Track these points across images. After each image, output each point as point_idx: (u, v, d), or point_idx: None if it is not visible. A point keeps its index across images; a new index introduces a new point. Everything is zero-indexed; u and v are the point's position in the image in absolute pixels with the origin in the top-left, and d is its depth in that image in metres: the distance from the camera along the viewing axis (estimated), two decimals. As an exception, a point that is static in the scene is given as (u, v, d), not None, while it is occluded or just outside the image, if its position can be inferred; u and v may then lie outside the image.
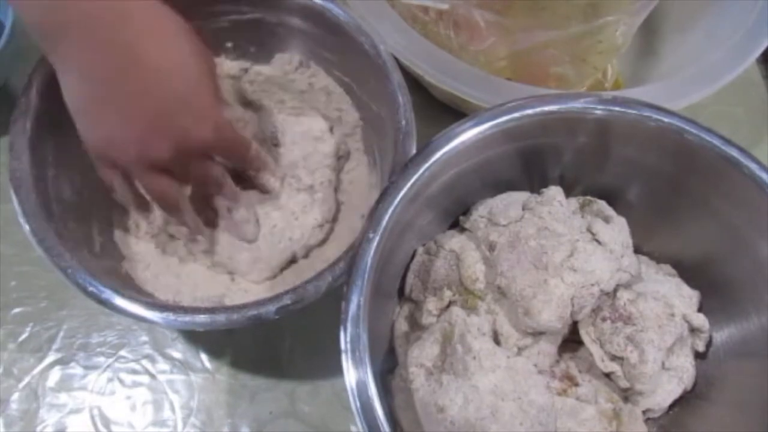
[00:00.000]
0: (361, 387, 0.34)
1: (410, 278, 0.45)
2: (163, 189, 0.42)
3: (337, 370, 0.35)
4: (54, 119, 0.44)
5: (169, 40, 0.39)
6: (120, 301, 0.40)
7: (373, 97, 0.50)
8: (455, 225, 0.47)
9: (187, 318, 0.40)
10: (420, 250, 0.46)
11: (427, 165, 0.40)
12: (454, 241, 0.45)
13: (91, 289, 0.41)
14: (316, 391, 0.49)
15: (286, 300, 0.40)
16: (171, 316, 0.40)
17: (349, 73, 0.52)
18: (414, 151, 0.44)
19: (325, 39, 0.51)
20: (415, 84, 0.58)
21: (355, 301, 0.36)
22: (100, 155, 0.42)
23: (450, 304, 0.43)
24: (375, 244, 0.38)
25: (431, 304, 0.43)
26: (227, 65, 0.54)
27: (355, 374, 0.35)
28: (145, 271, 0.48)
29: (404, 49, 0.50)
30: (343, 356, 0.35)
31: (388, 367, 0.43)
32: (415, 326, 0.44)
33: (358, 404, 0.34)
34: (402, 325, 0.45)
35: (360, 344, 0.35)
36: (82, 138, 0.41)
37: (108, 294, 0.41)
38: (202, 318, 0.40)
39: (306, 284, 0.41)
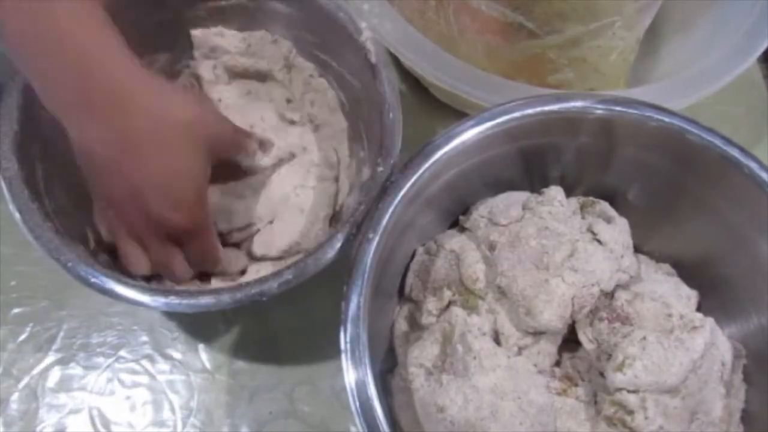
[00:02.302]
0: (361, 387, 0.34)
1: (410, 278, 0.45)
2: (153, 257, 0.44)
3: (337, 370, 0.35)
4: (40, 119, 0.44)
5: (167, 138, 0.40)
6: (122, 290, 0.40)
7: (353, 72, 0.50)
8: (455, 225, 0.47)
9: (192, 300, 0.40)
10: (420, 249, 0.46)
11: (427, 165, 0.40)
12: (455, 240, 0.45)
13: (93, 280, 0.40)
14: (315, 391, 0.49)
15: (288, 275, 0.40)
16: (175, 300, 0.40)
17: (328, 51, 0.52)
18: (399, 137, 0.44)
19: (308, 21, 0.51)
20: (416, 84, 0.58)
21: (355, 301, 0.36)
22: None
23: (450, 304, 0.43)
24: (375, 244, 0.38)
25: (431, 304, 0.43)
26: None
27: (354, 374, 0.35)
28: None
29: (405, 49, 0.50)
30: (343, 356, 0.35)
31: (387, 366, 0.43)
32: (415, 326, 0.44)
33: (357, 404, 0.34)
34: (402, 325, 0.44)
35: (360, 344, 0.35)
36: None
37: (110, 283, 0.40)
38: (206, 299, 0.40)
39: (306, 259, 0.41)
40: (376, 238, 0.38)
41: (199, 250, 0.44)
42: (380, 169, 0.42)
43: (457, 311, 0.41)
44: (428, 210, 0.44)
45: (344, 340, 0.36)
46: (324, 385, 0.49)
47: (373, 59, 0.46)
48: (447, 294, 0.43)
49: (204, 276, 0.47)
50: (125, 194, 0.40)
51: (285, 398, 0.49)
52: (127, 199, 0.40)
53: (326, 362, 0.50)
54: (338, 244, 0.41)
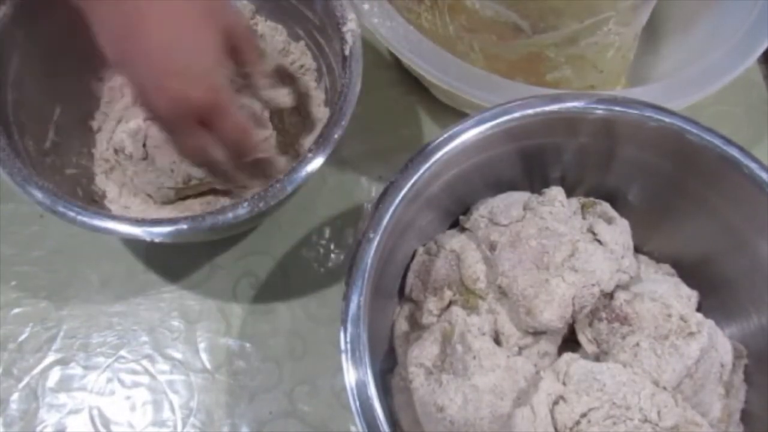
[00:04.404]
0: (361, 387, 0.34)
1: (410, 278, 0.45)
2: (190, 144, 0.44)
3: (337, 370, 0.35)
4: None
5: (173, 9, 0.40)
6: (101, 221, 0.41)
7: (337, 61, 0.50)
8: (455, 225, 0.47)
9: (171, 227, 0.41)
10: (420, 250, 0.45)
11: (427, 165, 0.40)
12: (455, 240, 0.45)
13: (78, 217, 0.41)
14: (315, 391, 0.49)
15: (278, 188, 0.42)
16: (156, 229, 0.41)
17: (324, 34, 0.52)
18: (340, 133, 0.44)
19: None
20: (416, 83, 0.58)
21: (355, 301, 0.36)
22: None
23: (450, 303, 0.43)
24: (375, 244, 0.38)
25: (432, 304, 0.43)
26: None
27: (354, 374, 0.35)
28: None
29: (405, 49, 0.50)
30: (343, 356, 0.35)
31: (388, 366, 0.43)
32: (416, 326, 0.44)
33: (357, 404, 0.34)
34: (402, 325, 0.44)
35: (360, 344, 0.35)
36: None
37: (87, 215, 0.41)
38: (185, 225, 0.41)
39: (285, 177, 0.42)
40: (377, 238, 0.38)
41: (229, 130, 0.44)
42: (309, 154, 0.43)
43: (457, 311, 0.41)
44: (428, 210, 0.44)
45: (344, 340, 0.35)
46: (324, 385, 0.49)
47: (347, 51, 0.46)
48: (447, 294, 0.43)
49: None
50: (151, 84, 0.41)
51: (285, 398, 0.49)
52: (153, 88, 0.41)
53: (326, 362, 0.49)
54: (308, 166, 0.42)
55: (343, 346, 0.35)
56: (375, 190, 0.56)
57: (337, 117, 0.44)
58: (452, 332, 0.40)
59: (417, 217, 0.43)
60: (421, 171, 0.40)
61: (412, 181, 0.40)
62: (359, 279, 0.37)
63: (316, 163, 0.43)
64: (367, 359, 0.35)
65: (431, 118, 0.58)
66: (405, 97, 0.59)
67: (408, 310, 0.45)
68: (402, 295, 0.46)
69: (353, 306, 0.36)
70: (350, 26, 0.47)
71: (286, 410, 0.49)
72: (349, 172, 0.57)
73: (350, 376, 0.35)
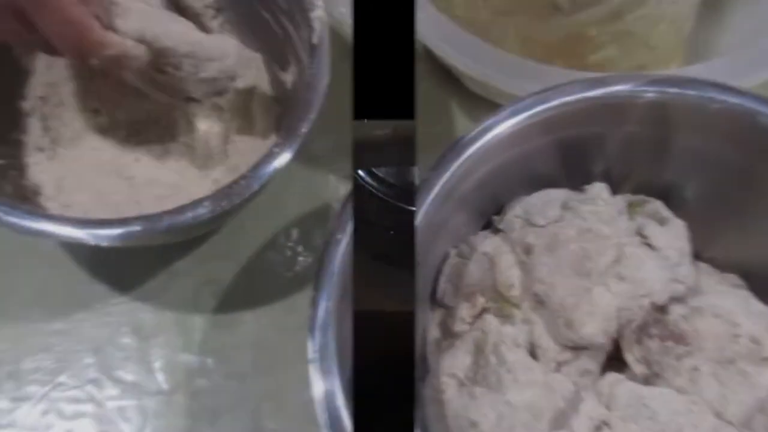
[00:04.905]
0: (330, 398, 0.33)
1: (442, 282, 0.43)
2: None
3: (306, 383, 0.33)
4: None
5: None
6: (34, 223, 0.39)
7: (305, 48, 0.48)
8: (489, 226, 0.44)
9: (121, 229, 0.38)
10: (452, 252, 0.43)
11: (459, 162, 0.38)
12: (488, 242, 0.42)
13: (6, 218, 0.39)
14: (283, 406, 0.46)
15: (237, 189, 0.40)
16: (103, 231, 0.38)
17: (293, 21, 0.50)
18: (307, 125, 0.43)
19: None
20: (447, 76, 0.57)
21: (323, 307, 0.35)
22: None
23: (483, 311, 0.41)
24: (343, 245, 0.36)
25: (464, 311, 0.41)
26: None
27: (323, 385, 0.33)
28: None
29: (436, 38, 0.48)
30: (311, 366, 0.34)
31: (419, 375, 0.41)
32: (447, 333, 0.42)
33: (326, 416, 0.33)
34: (434, 332, 0.42)
35: (328, 352, 0.34)
36: None
37: (17, 215, 0.39)
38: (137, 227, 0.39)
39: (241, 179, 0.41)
40: (344, 239, 0.36)
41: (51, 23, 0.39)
42: (276, 149, 0.41)
43: (490, 320, 0.39)
44: (460, 210, 0.42)
45: (312, 348, 0.34)
46: (293, 399, 0.46)
47: (315, 40, 0.45)
48: (480, 301, 0.41)
49: None
50: None
51: (248, 417, 0.46)
52: None
53: (294, 374, 0.46)
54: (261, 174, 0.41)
55: (311, 355, 0.34)
56: (343, 188, 0.54)
57: (303, 110, 0.42)
58: (485, 342, 0.39)
59: (449, 217, 0.41)
60: (453, 168, 0.38)
61: (444, 179, 0.38)
62: (327, 283, 0.35)
63: (283, 158, 0.41)
64: (335, 368, 0.34)
65: (463, 111, 0.56)
66: (435, 90, 0.58)
67: (440, 317, 0.43)
68: (434, 300, 0.43)
69: (321, 312, 0.35)
70: (318, 13, 0.46)
71: (252, 430, 0.46)
72: (318, 169, 0.55)
73: (318, 386, 0.33)
